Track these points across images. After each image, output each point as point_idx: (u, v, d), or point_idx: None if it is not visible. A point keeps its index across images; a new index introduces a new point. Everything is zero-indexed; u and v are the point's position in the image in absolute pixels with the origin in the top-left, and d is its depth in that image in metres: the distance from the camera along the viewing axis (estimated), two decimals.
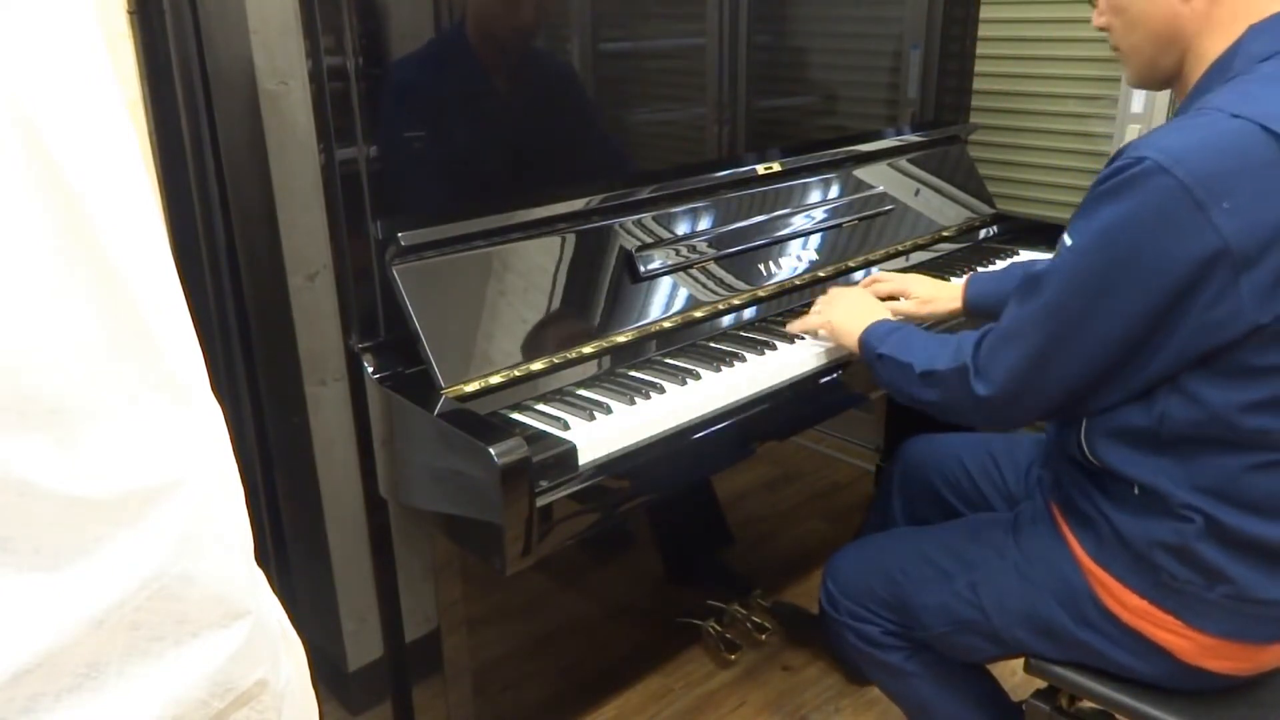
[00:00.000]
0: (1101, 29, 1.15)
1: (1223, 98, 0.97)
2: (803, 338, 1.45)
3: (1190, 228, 0.92)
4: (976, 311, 1.51)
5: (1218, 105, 0.96)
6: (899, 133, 1.95)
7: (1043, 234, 1.93)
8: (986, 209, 2.00)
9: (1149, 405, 1.03)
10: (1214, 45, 1.05)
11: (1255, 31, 1.02)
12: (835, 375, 1.41)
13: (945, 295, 1.53)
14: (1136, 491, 1.07)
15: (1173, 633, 1.08)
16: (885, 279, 1.58)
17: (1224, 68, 1.04)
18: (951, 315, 1.53)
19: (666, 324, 1.42)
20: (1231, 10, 1.04)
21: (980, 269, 1.76)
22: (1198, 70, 1.07)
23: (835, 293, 1.46)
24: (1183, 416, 1.01)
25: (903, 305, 1.52)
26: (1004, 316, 1.09)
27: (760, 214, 1.61)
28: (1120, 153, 0.99)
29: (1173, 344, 0.97)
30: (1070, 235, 1.02)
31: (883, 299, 1.56)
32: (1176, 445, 1.03)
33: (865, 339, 1.28)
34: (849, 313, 1.36)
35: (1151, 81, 1.14)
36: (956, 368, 1.12)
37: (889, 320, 1.31)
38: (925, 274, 1.67)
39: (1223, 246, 0.91)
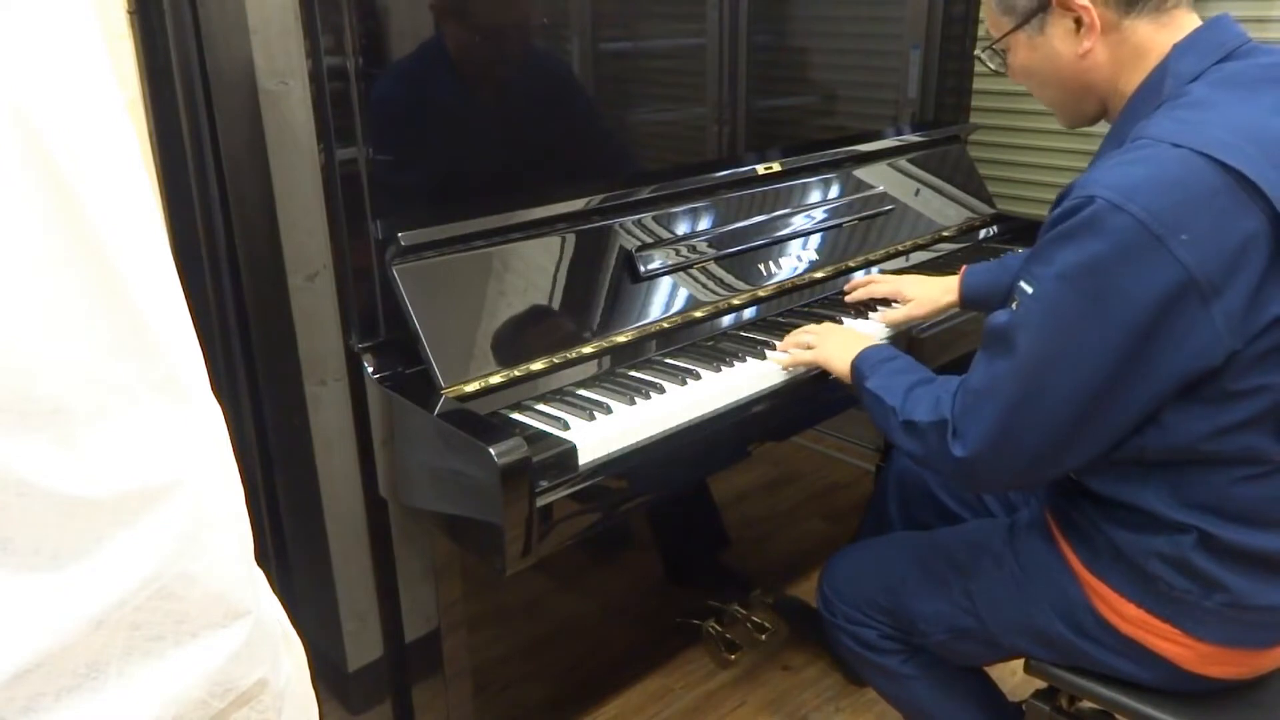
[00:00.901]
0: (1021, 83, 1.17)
1: (1159, 126, 0.95)
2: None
3: (1153, 261, 0.90)
4: (973, 304, 1.51)
5: (1156, 135, 0.94)
6: (899, 133, 1.95)
7: None
8: (986, 209, 2.00)
9: (1129, 437, 1.01)
10: (1130, 79, 1.05)
11: (1180, 50, 1.02)
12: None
13: (939, 291, 1.52)
14: (1128, 508, 1.06)
15: (1171, 641, 1.08)
16: (878, 281, 1.58)
17: (1153, 90, 1.03)
18: (949, 308, 1.53)
19: (666, 324, 1.42)
20: (1135, 49, 1.04)
21: None
22: (1122, 102, 1.07)
23: (828, 327, 1.42)
24: (1163, 445, 1.00)
25: (898, 312, 1.52)
26: (974, 372, 1.05)
27: (760, 214, 1.61)
28: (1065, 194, 0.97)
29: (1150, 383, 0.95)
30: (1029, 283, 0.99)
31: (877, 301, 1.57)
32: (1161, 468, 1.02)
33: (857, 364, 1.24)
34: (842, 344, 1.31)
35: (1083, 123, 1.16)
36: (935, 422, 1.07)
37: (883, 346, 1.27)
38: (923, 274, 1.67)
39: (1187, 278, 0.90)
